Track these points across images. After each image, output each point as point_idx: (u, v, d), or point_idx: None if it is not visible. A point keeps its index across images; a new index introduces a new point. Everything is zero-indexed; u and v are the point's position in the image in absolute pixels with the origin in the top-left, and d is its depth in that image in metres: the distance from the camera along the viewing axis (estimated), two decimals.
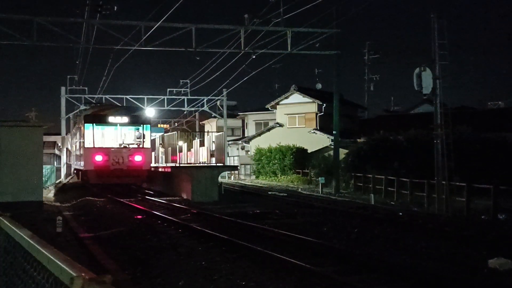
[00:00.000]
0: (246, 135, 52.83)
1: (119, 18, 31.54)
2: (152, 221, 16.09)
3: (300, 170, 39.37)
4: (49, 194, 26.84)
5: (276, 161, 41.52)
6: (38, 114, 67.98)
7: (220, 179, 26.22)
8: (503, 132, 27.40)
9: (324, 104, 42.93)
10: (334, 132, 30.25)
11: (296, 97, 45.43)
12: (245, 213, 17.53)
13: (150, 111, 39.82)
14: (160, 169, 27.32)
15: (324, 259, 10.00)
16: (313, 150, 40.64)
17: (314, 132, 43.26)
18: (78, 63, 35.51)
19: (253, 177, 44.16)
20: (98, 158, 24.38)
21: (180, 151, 26.91)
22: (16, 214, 4.66)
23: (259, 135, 47.97)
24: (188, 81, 40.97)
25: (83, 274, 2.01)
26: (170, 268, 9.35)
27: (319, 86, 49.25)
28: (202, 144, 27.94)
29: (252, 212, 17.66)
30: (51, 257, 2.40)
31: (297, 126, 44.99)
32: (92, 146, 24.64)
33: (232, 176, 46.35)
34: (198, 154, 27.43)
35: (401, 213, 16.99)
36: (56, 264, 2.31)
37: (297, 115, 45.24)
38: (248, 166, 46.41)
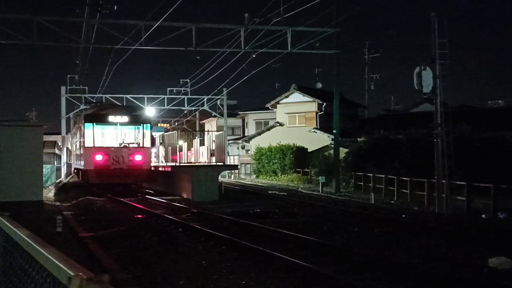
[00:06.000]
0: (246, 134, 52.81)
1: (119, 17, 31.46)
2: (152, 220, 16.10)
3: (300, 169, 39.34)
4: (49, 193, 26.83)
5: (276, 160, 41.50)
6: (38, 113, 67.82)
7: (220, 178, 26.20)
8: (503, 131, 27.37)
9: (324, 103, 42.90)
10: (334, 131, 30.24)
11: (296, 96, 45.39)
12: (245, 213, 17.53)
13: (150, 111, 39.84)
14: (160, 169, 27.32)
15: (324, 258, 10.00)
16: (313, 149, 40.61)
17: (314, 131, 43.23)
18: (78, 63, 35.58)
19: (253, 176, 44.15)
20: (98, 157, 24.39)
21: (180, 150, 26.88)
22: (16, 214, 4.66)
23: (259, 134, 47.94)
24: (188, 80, 41.02)
25: (80, 274, 2.00)
26: (170, 267, 9.35)
27: (319, 85, 49.29)
28: (202, 143, 27.91)
29: (252, 212, 17.64)
30: (49, 257, 2.40)
31: (297, 125, 44.95)
32: (92, 145, 24.65)
33: (232, 176, 46.31)
34: (198, 154, 27.40)
35: (404, 215, 16.98)
36: (54, 263, 2.31)
37: (297, 114, 45.21)
38: (248, 166, 46.39)
